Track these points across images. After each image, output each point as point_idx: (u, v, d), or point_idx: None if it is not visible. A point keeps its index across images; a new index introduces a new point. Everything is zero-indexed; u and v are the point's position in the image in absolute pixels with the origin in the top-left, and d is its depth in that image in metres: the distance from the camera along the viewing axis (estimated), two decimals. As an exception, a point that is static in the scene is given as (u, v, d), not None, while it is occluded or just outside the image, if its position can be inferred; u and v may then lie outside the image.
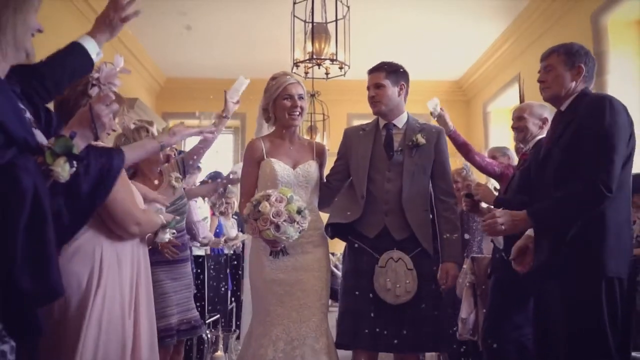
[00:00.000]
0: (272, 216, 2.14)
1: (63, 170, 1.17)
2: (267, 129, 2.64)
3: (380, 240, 2.46)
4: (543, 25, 6.24)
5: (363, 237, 2.48)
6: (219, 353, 3.41)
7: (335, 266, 6.75)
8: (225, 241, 4.54)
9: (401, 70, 2.61)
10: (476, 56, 7.89)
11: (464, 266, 3.19)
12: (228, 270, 4.53)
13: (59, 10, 5.17)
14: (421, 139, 2.50)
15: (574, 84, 2.17)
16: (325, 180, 2.64)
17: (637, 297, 3.69)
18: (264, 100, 2.56)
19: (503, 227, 2.10)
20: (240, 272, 4.98)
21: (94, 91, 1.78)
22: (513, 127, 3.05)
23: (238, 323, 4.42)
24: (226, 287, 4.32)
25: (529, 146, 2.93)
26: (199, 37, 7.07)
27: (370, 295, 2.40)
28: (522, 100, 6.59)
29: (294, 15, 4.11)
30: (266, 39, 6.82)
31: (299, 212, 2.20)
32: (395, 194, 2.47)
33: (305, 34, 4.12)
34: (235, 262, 4.93)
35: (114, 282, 1.73)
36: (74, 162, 1.19)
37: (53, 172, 1.16)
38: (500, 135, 7.71)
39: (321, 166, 2.61)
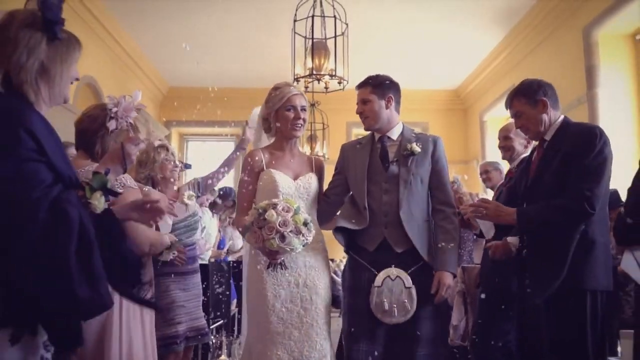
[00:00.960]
0: (279, 225, 2.05)
1: (99, 202, 1.34)
2: (267, 140, 2.60)
3: (380, 253, 2.40)
4: (536, 38, 6.41)
5: (363, 250, 2.44)
6: (223, 357, 3.56)
7: (335, 272, 6.90)
8: (228, 252, 4.66)
9: (387, 82, 2.53)
10: (473, 67, 8.07)
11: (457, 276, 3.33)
12: (231, 278, 4.67)
13: None
14: (416, 148, 2.45)
15: (545, 116, 2.32)
16: (324, 194, 2.58)
17: (627, 306, 3.85)
18: (265, 110, 2.51)
19: (486, 212, 2.30)
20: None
21: (111, 124, 1.94)
22: (500, 146, 3.20)
23: (239, 328, 4.58)
24: (229, 294, 4.46)
25: (515, 164, 3.08)
26: (202, 47, 7.22)
27: (367, 314, 2.34)
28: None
29: (295, 32, 4.25)
30: (267, 51, 6.99)
31: (305, 224, 2.12)
32: (394, 206, 2.41)
33: (306, 49, 4.26)
34: (238, 270, 5.06)
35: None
36: (108, 196, 1.37)
37: (91, 205, 1.33)
38: (496, 143, 7.83)
39: (320, 180, 2.55)
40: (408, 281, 2.32)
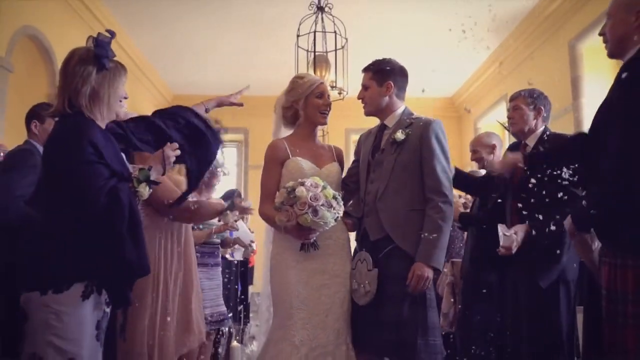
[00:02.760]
0: (311, 199, 2.06)
1: (144, 190, 1.74)
2: (286, 132, 2.57)
3: (362, 241, 2.41)
4: (525, 51, 6.74)
5: (356, 239, 2.49)
6: (235, 343, 3.88)
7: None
8: (234, 243, 4.91)
9: (387, 69, 2.46)
10: (467, 76, 8.38)
11: (445, 269, 3.63)
12: (238, 275, 4.97)
13: (57, 9, 5.57)
14: (399, 135, 2.36)
15: (535, 122, 2.72)
16: (343, 182, 2.55)
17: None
18: (290, 97, 2.47)
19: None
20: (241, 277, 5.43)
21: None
22: (472, 159, 3.53)
23: (246, 322, 4.92)
24: (236, 288, 4.77)
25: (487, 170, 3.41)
26: (206, 57, 7.50)
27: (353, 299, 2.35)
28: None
29: (298, 46, 4.53)
30: (269, 61, 7.26)
31: (335, 197, 2.13)
32: (374, 195, 2.37)
33: (308, 62, 4.53)
34: (243, 269, 5.34)
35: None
36: (151, 185, 1.77)
37: (138, 192, 1.73)
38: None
39: (341, 169, 2.56)
40: (370, 264, 2.29)
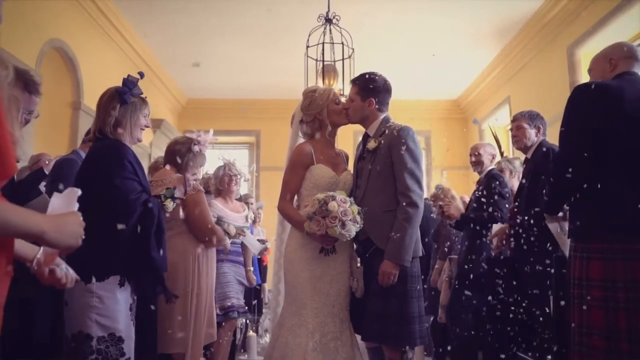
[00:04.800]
0: (341, 214, 2.28)
1: (169, 205, 2.20)
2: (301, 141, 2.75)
3: (355, 242, 2.62)
4: (526, 56, 6.97)
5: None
6: (252, 333, 4.21)
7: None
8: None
9: (371, 87, 2.60)
10: (471, 80, 8.61)
11: (445, 265, 3.93)
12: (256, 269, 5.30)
13: (81, 23, 5.92)
14: (372, 144, 2.55)
15: (536, 138, 3.13)
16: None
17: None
18: (311, 110, 2.65)
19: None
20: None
21: (195, 148, 2.74)
22: (471, 162, 3.81)
23: (260, 314, 5.26)
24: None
25: (482, 175, 3.70)
26: (217, 64, 7.78)
27: (353, 294, 2.60)
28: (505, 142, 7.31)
29: (307, 56, 4.77)
30: (280, 67, 7.51)
31: (359, 213, 2.37)
32: (358, 200, 2.54)
33: (317, 71, 4.78)
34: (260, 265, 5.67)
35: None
36: (175, 201, 2.22)
37: (165, 206, 2.17)
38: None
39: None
40: (357, 262, 2.60)
